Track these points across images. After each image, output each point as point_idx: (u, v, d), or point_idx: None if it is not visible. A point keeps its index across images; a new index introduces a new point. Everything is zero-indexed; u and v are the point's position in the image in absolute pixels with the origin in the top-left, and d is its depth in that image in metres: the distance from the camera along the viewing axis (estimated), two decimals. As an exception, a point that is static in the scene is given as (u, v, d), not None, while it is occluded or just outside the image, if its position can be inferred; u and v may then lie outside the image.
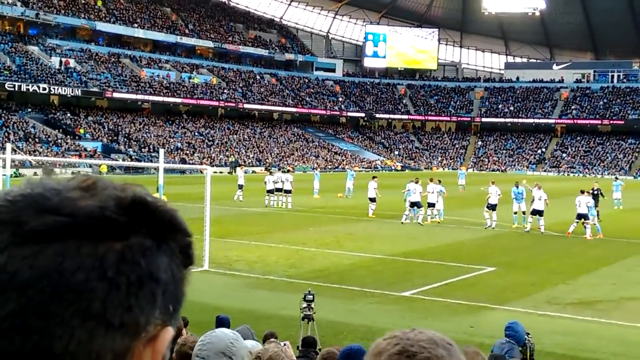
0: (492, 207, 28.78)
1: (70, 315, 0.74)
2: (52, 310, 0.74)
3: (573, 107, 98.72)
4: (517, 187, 29.60)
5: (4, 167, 22.34)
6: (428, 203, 29.93)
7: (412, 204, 29.62)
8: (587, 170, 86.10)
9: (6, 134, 60.14)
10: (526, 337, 8.81)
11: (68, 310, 0.74)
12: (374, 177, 33.43)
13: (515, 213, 29.40)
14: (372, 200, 31.71)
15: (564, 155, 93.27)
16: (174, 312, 0.83)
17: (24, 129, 63.61)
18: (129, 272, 0.77)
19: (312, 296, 10.91)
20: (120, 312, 0.76)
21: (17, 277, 0.74)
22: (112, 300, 0.76)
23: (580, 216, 26.70)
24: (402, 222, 29.27)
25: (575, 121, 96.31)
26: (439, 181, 31.66)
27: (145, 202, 0.82)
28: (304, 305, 10.87)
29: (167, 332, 0.82)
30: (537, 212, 27.57)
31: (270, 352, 5.29)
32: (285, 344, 7.22)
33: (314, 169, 58.01)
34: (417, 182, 30.27)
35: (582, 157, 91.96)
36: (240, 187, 36.85)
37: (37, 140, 61.63)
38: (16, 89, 66.02)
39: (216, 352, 3.39)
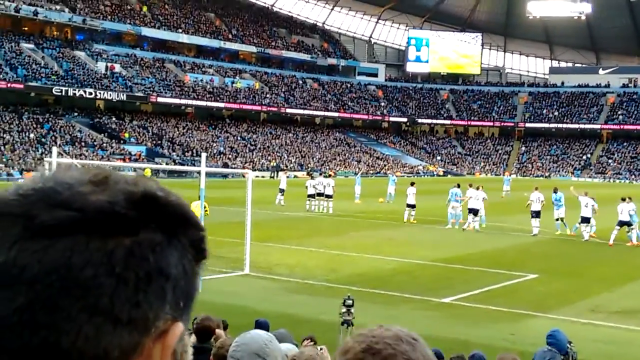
0: (537, 214, 28.46)
1: (77, 311, 0.74)
2: (60, 305, 0.73)
3: (620, 112, 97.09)
4: (556, 192, 29.20)
5: (50, 170, 22.82)
6: (469, 209, 29.67)
7: (471, 210, 29.43)
8: (633, 177, 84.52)
9: (53, 137, 61.32)
10: (568, 345, 8.66)
11: (76, 306, 0.74)
12: (412, 184, 32.70)
13: (557, 220, 29.01)
14: (412, 206, 31.45)
15: (610, 161, 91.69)
16: (185, 308, 0.82)
17: (70, 133, 64.80)
18: (137, 267, 0.77)
19: (351, 301, 10.88)
20: (128, 308, 0.76)
21: (26, 272, 0.73)
22: (120, 296, 0.75)
23: (622, 223, 26.23)
24: (463, 229, 29.04)
25: (622, 126, 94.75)
26: (482, 187, 31.40)
27: (156, 197, 0.81)
28: (344, 310, 10.85)
29: (177, 327, 0.81)
30: (585, 220, 27.21)
31: (305, 355, 5.28)
32: (321, 348, 7.21)
33: (355, 173, 57.94)
34: (458, 187, 30.25)
35: (629, 163, 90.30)
36: (282, 191, 36.97)
37: (83, 144, 62.72)
38: (63, 93, 67.28)
39: (250, 353, 3.40)
